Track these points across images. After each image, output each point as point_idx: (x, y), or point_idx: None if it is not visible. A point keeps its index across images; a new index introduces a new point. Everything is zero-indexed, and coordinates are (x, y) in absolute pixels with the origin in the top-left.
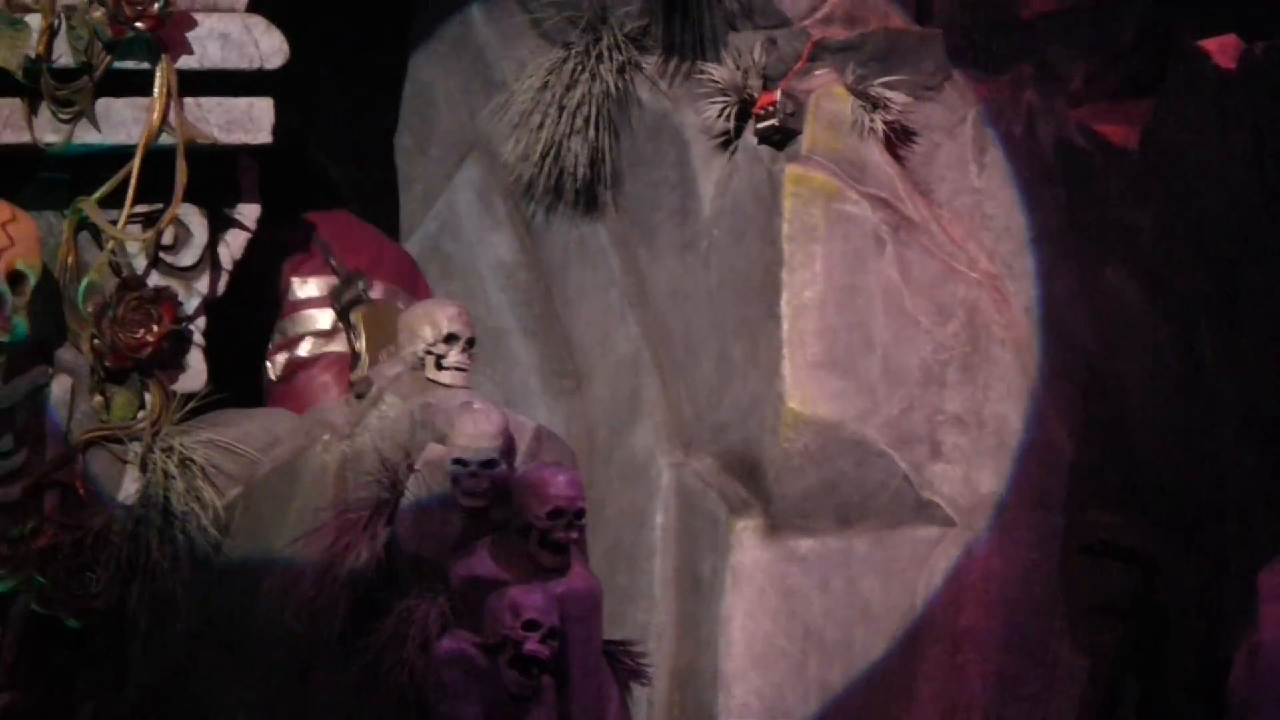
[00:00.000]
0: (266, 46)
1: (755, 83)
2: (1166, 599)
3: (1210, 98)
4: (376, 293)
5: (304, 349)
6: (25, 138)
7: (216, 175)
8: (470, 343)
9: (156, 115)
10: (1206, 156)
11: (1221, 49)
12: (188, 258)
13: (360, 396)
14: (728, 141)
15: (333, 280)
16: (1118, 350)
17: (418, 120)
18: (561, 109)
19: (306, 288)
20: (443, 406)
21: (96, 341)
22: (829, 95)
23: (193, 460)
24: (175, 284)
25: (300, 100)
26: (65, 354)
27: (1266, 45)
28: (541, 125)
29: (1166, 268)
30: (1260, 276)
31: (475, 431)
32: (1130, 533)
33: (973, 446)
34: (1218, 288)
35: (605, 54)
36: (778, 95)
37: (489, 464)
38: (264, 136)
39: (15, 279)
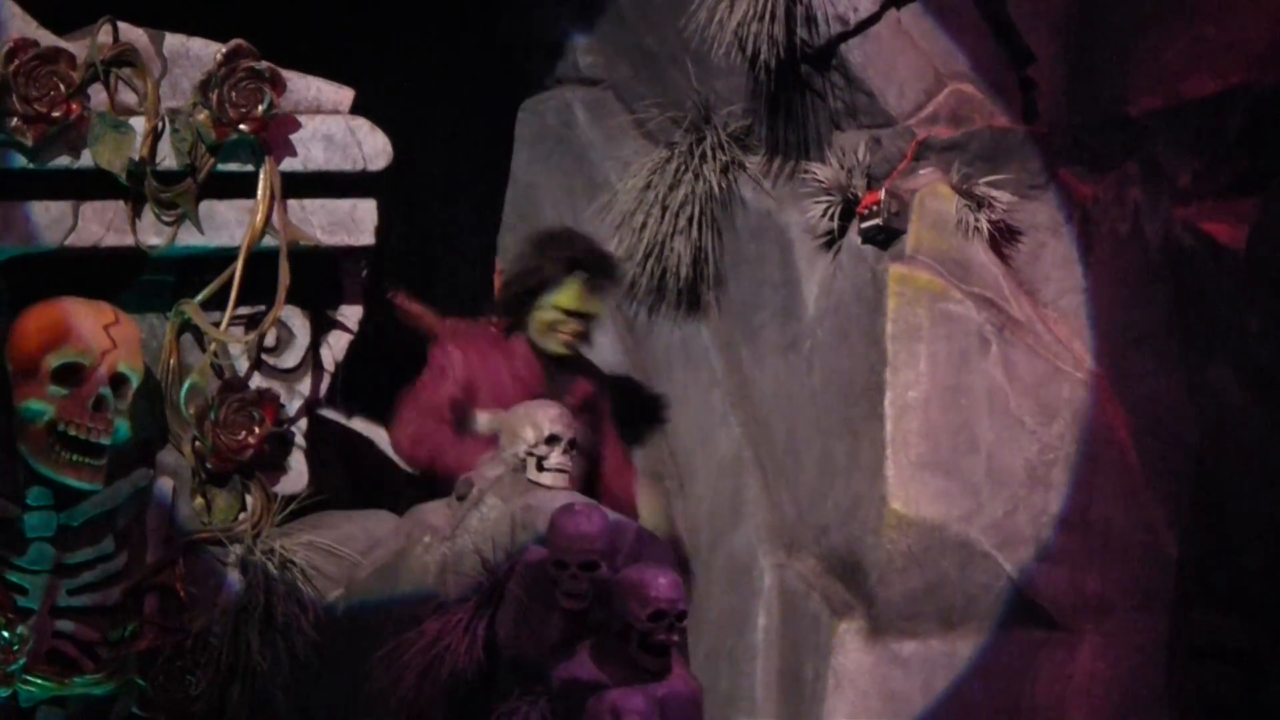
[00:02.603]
0: (370, 148)
1: (860, 182)
2: (1273, 701)
3: None
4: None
5: None
6: (129, 240)
7: (319, 277)
8: (572, 444)
9: (260, 218)
10: None
11: None
12: (290, 359)
13: (461, 498)
14: (831, 241)
15: None
16: (1223, 449)
17: (520, 221)
18: (665, 209)
19: None
20: (544, 508)
21: (198, 444)
22: (934, 194)
23: (293, 562)
24: (277, 386)
25: (406, 200)
26: (167, 456)
27: None
28: (644, 225)
29: (1273, 367)
30: None
31: (576, 533)
32: (1237, 634)
33: (1078, 547)
34: None
35: (709, 153)
36: (882, 194)
37: (589, 566)
38: (367, 238)
39: (118, 381)
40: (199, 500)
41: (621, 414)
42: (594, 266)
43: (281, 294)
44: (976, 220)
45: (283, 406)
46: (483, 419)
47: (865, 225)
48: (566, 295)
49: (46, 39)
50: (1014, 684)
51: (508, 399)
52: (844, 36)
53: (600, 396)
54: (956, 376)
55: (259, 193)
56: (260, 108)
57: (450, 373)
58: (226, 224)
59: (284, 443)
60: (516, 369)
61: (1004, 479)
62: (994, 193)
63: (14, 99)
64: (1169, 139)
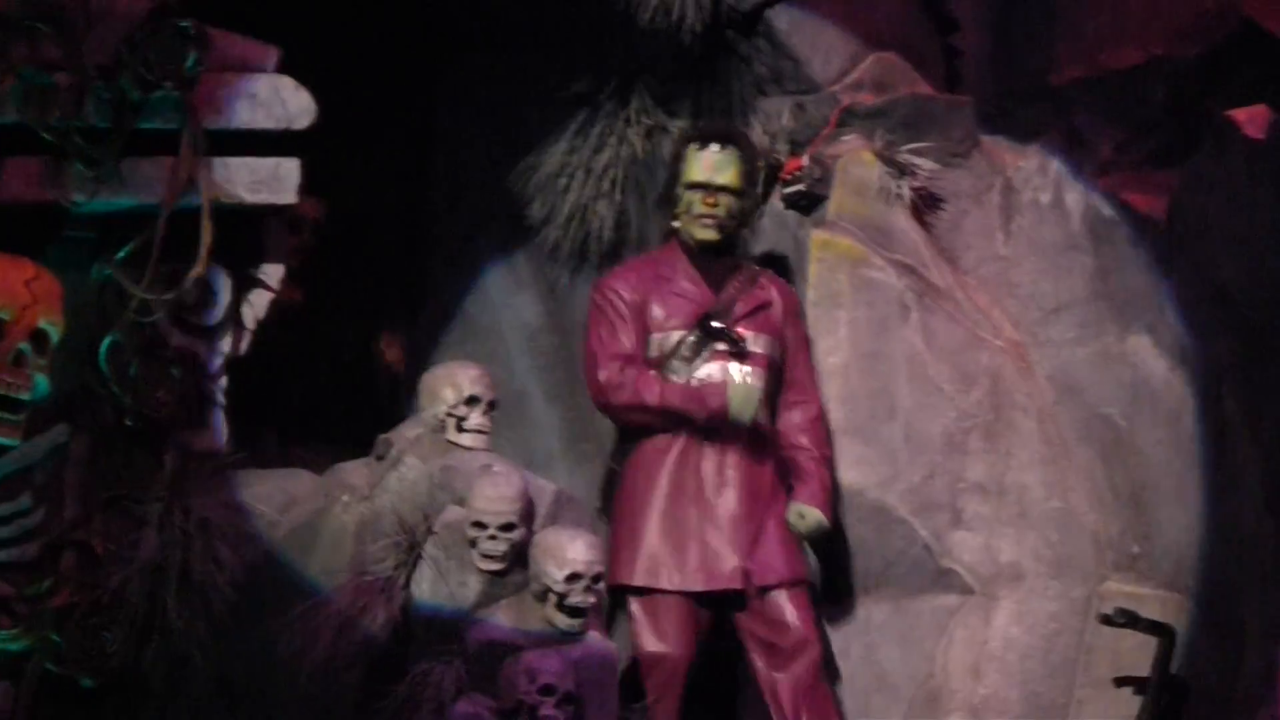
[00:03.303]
0: (295, 107)
1: (783, 147)
2: (1185, 670)
3: (1239, 168)
4: None
5: None
6: (51, 195)
7: (242, 235)
8: (491, 405)
9: (183, 175)
10: (1234, 226)
11: (1251, 119)
12: (211, 318)
13: (380, 458)
14: (758, 205)
15: None
16: (1141, 419)
17: (445, 180)
18: (589, 172)
19: None
20: (462, 469)
21: (117, 401)
22: (856, 161)
23: (211, 520)
24: (198, 344)
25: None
26: (86, 413)
27: None
28: (568, 188)
29: (1191, 337)
30: None
31: (495, 495)
32: (1150, 603)
33: (994, 515)
34: (1242, 357)
35: (633, 117)
36: (805, 160)
37: (508, 527)
38: (290, 197)
39: (38, 337)
40: (117, 457)
41: (542, 376)
42: (713, 134)
43: (203, 252)
44: (899, 187)
45: (203, 364)
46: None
47: (788, 191)
48: (691, 166)
49: None
50: (929, 649)
51: (681, 313)
52: (770, 2)
53: (783, 291)
54: (876, 343)
55: (182, 150)
56: (185, 65)
57: (616, 310)
58: (149, 181)
59: (204, 400)
60: (678, 283)
61: (922, 445)
62: (916, 160)
63: None
64: (1091, 109)
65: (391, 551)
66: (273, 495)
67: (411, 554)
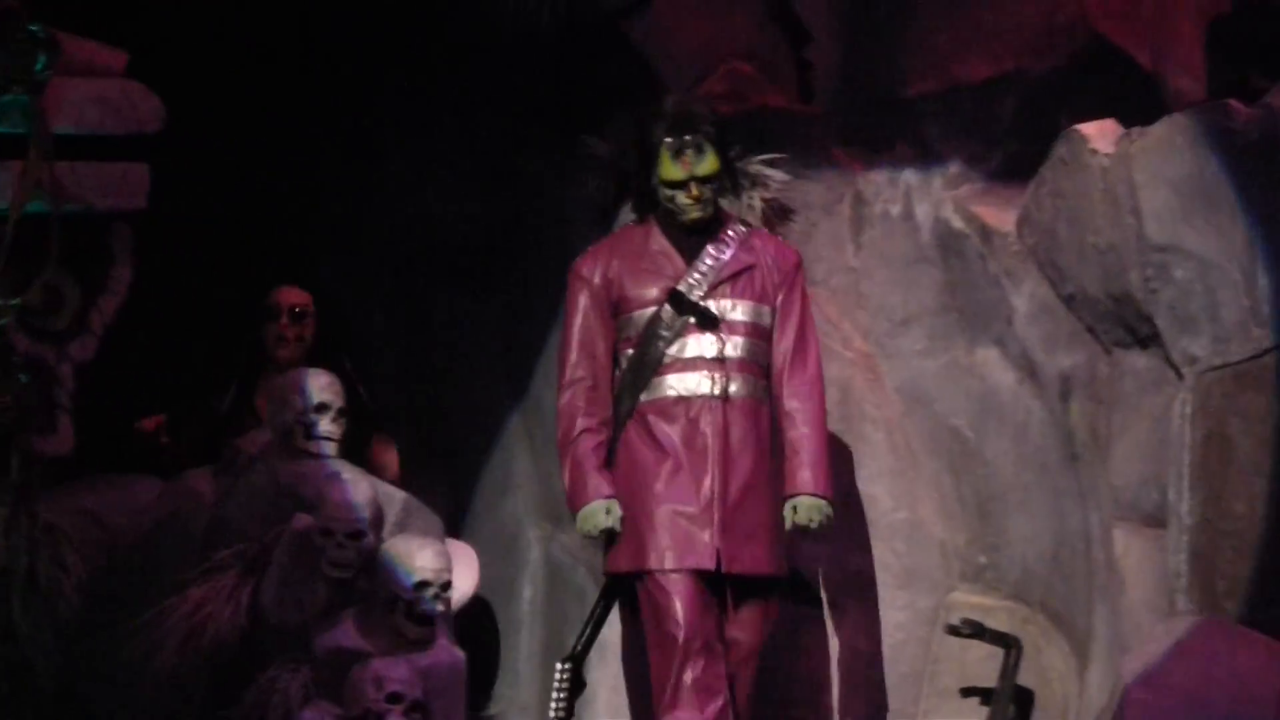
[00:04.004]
0: (144, 111)
1: (634, 156)
2: (1031, 681)
3: (1087, 181)
4: None
5: None
6: None
7: (91, 240)
8: (340, 413)
9: (31, 179)
10: (1082, 239)
11: (1100, 133)
12: (59, 322)
13: (228, 464)
14: (607, 215)
15: None
16: (989, 431)
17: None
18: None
19: None
20: (311, 476)
21: None
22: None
23: (58, 526)
24: (46, 349)
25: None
26: None
27: (1144, 131)
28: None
29: (1040, 349)
30: (1131, 359)
31: (343, 502)
32: (997, 614)
33: (842, 525)
34: (1090, 370)
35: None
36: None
37: (356, 535)
38: (139, 201)
39: None
40: None
41: (400, 384)
42: (678, 128)
43: (51, 256)
44: (749, 198)
45: (50, 369)
46: None
47: (640, 200)
48: (667, 168)
49: None
50: (778, 658)
51: (653, 289)
52: (625, 11)
53: (775, 250)
54: None
55: (30, 154)
56: (34, 69)
57: (580, 304)
58: None
59: (51, 405)
60: (649, 257)
61: None
62: (767, 171)
63: None
64: (942, 122)
65: (239, 559)
66: (120, 501)
67: (259, 561)
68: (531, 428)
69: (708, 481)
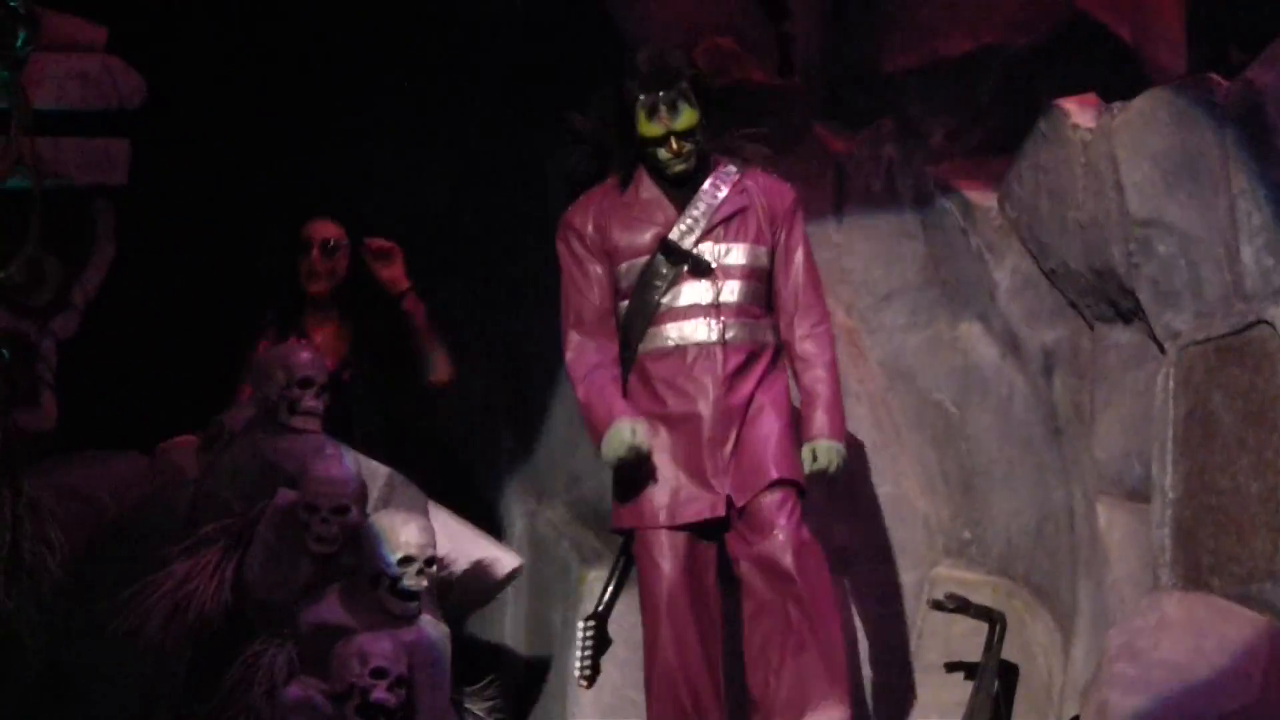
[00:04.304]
0: (125, 87)
1: (616, 130)
2: (1016, 655)
3: (1069, 156)
4: None
5: None
6: None
7: (72, 215)
8: (324, 388)
9: (12, 155)
10: (1063, 214)
11: (1081, 108)
12: (41, 298)
13: (212, 440)
14: (589, 187)
15: None
16: (971, 405)
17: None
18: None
19: None
20: (295, 451)
21: None
22: None
23: (41, 501)
24: (28, 324)
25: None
26: None
27: (1125, 105)
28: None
29: (1022, 324)
30: (1115, 333)
31: (327, 477)
32: (981, 588)
33: (825, 499)
34: (1073, 344)
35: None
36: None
37: (340, 510)
38: (120, 177)
39: None
40: None
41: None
42: (651, 84)
43: (33, 232)
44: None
45: (32, 345)
46: None
47: (622, 174)
48: (644, 125)
49: None
50: None
51: (643, 237)
52: None
53: (770, 190)
54: None
55: (11, 130)
56: (14, 45)
57: (575, 255)
58: None
59: (34, 381)
60: (638, 206)
61: None
62: (750, 146)
63: None
64: (923, 97)
65: (223, 534)
66: (104, 477)
67: (243, 536)
68: (515, 404)
69: (706, 429)
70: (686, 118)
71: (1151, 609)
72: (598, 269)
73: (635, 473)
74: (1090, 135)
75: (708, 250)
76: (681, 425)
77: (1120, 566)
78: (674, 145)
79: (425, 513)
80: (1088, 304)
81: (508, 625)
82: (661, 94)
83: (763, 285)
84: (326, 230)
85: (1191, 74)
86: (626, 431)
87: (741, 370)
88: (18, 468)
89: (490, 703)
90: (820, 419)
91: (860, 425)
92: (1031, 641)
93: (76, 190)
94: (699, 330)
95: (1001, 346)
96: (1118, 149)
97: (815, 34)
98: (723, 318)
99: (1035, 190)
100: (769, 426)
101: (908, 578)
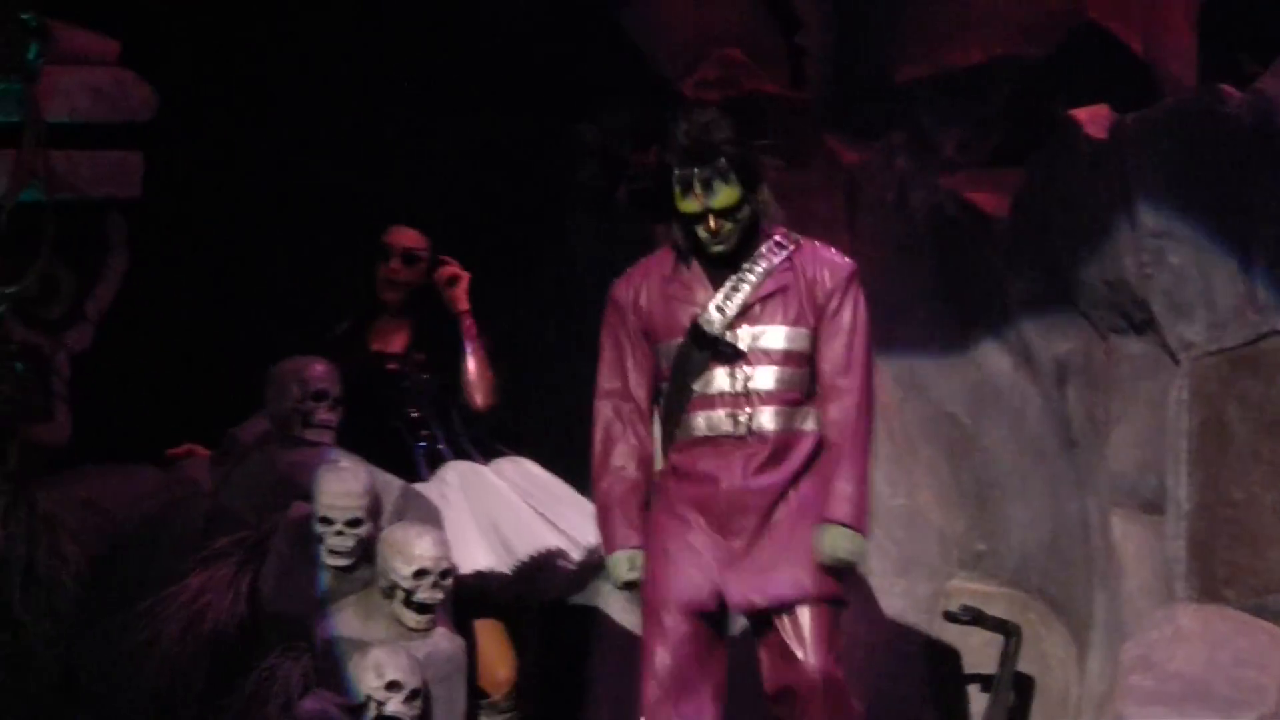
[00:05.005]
0: (138, 99)
1: (627, 144)
2: (1031, 668)
3: (1082, 167)
4: None
5: None
6: None
7: (86, 228)
8: (338, 401)
9: (25, 168)
10: (1076, 225)
11: (1093, 119)
12: (54, 311)
13: (226, 453)
14: (602, 200)
15: None
16: (985, 417)
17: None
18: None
19: None
20: (309, 464)
21: None
22: None
23: (56, 515)
24: (42, 338)
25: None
26: None
27: (1137, 116)
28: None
29: (1035, 335)
30: (1129, 344)
31: (341, 490)
32: (996, 600)
33: None
34: (1086, 356)
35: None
36: (650, 157)
37: (354, 523)
38: (133, 189)
39: None
40: None
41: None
42: (688, 159)
43: (47, 245)
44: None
45: (46, 358)
46: None
47: (634, 187)
48: (680, 199)
49: None
50: None
51: (680, 318)
52: None
53: (820, 264)
54: None
55: (24, 143)
56: (27, 57)
57: (614, 331)
58: None
59: (48, 394)
60: (676, 283)
61: None
62: (761, 158)
63: None
64: (934, 108)
65: (238, 547)
66: (119, 490)
67: (258, 550)
68: (531, 402)
69: (717, 518)
70: (725, 196)
71: (1166, 621)
72: (637, 349)
73: (674, 546)
74: (1102, 146)
75: (743, 334)
76: (700, 512)
77: (1135, 578)
78: (712, 224)
79: (440, 525)
80: (1100, 315)
81: None
82: (696, 170)
83: (803, 369)
84: (409, 239)
85: (1203, 84)
86: (624, 567)
87: (772, 461)
88: (32, 480)
89: (506, 715)
90: (832, 501)
91: (875, 438)
92: (1047, 653)
93: (90, 203)
94: (724, 421)
95: (1015, 358)
96: (1129, 160)
97: (827, 45)
98: (750, 407)
99: (1047, 201)
100: (799, 528)
101: (922, 590)
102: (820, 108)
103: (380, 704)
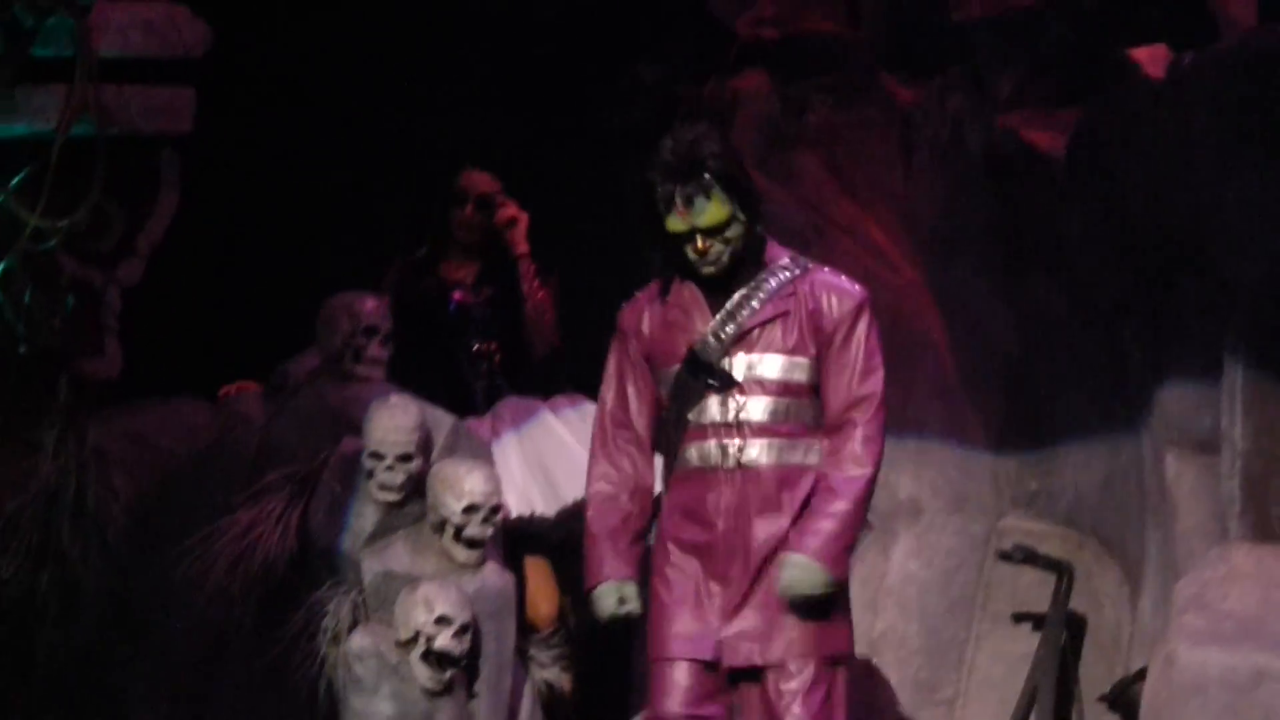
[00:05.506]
0: (190, 35)
1: (684, 81)
2: (1083, 606)
3: (1140, 107)
4: None
5: None
6: None
7: (137, 163)
8: (388, 336)
9: (77, 102)
10: (1132, 164)
11: (1151, 58)
12: (105, 245)
13: (278, 388)
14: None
15: None
16: (1040, 356)
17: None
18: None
19: None
20: (360, 399)
21: (11, 328)
22: (756, 96)
23: (106, 449)
24: (93, 272)
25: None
26: None
27: (1196, 56)
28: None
29: (1091, 274)
30: (1186, 284)
31: (392, 425)
32: (1048, 539)
33: (892, 450)
34: (1143, 295)
35: None
36: (705, 94)
37: (405, 458)
38: (185, 125)
39: None
40: (12, 385)
41: None
42: (670, 175)
43: (98, 180)
44: (798, 123)
45: (97, 292)
46: None
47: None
48: (664, 218)
49: None
50: None
51: (676, 346)
52: None
53: (823, 290)
54: None
55: (76, 78)
56: None
57: (618, 359)
58: (43, 109)
59: (98, 328)
60: (673, 310)
61: None
62: (816, 96)
63: None
64: (991, 47)
65: (288, 482)
66: (169, 424)
67: (308, 484)
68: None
69: (711, 564)
70: (711, 214)
71: (1220, 560)
72: (640, 376)
73: (669, 594)
74: (1160, 86)
75: (738, 361)
76: (695, 555)
77: (1189, 517)
78: (699, 244)
79: (490, 461)
80: (1157, 254)
81: None
82: (679, 186)
83: (803, 401)
84: (484, 184)
85: (1262, 24)
86: (611, 600)
87: (769, 505)
88: (83, 415)
89: (555, 650)
90: (805, 534)
91: (928, 377)
92: (1099, 592)
93: (141, 138)
94: (714, 453)
95: (1070, 297)
96: (1188, 100)
97: None
98: (740, 438)
99: (1104, 141)
100: None
101: (975, 528)
102: (875, 46)
103: (430, 639)
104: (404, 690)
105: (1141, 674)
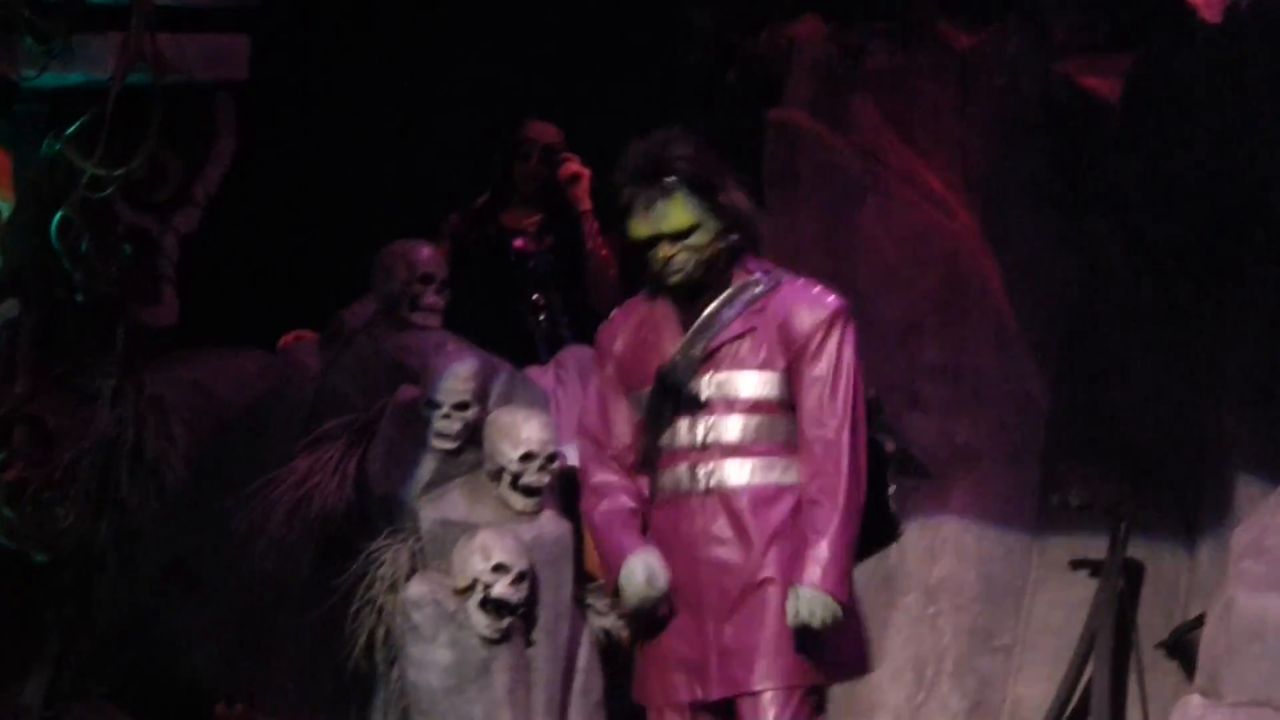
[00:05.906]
0: None
1: (740, 27)
2: (1140, 554)
3: (1195, 51)
4: None
5: None
6: (1, 70)
7: (193, 111)
8: (444, 284)
9: (133, 50)
10: (1190, 109)
11: (1208, 3)
12: (162, 194)
13: (334, 336)
14: (711, 86)
15: None
16: (1097, 303)
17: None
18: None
19: None
20: (417, 348)
21: (69, 277)
22: (813, 42)
23: (164, 397)
24: (150, 220)
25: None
26: (38, 288)
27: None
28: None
29: (1149, 221)
30: (1244, 231)
31: (449, 373)
32: (1106, 487)
33: (950, 397)
34: (1200, 241)
35: None
36: (761, 41)
37: (462, 406)
38: (241, 72)
39: None
40: (70, 333)
41: None
42: (634, 176)
43: (154, 128)
44: (855, 69)
45: (154, 240)
46: None
47: (743, 71)
48: (630, 223)
49: None
50: None
51: (648, 366)
52: None
53: (796, 302)
54: (833, 225)
55: (132, 25)
56: None
57: (599, 376)
58: (100, 57)
59: (156, 276)
60: (645, 329)
61: (877, 328)
62: (873, 42)
63: None
64: None
65: (345, 430)
66: (226, 372)
67: (365, 433)
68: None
69: (688, 596)
70: (675, 219)
71: (1278, 506)
72: (619, 399)
73: (646, 633)
74: (1217, 30)
75: (706, 381)
76: (677, 587)
77: (1246, 465)
78: (664, 250)
79: (546, 409)
80: (1214, 202)
81: None
82: (642, 190)
83: (778, 417)
84: (548, 135)
85: None
86: (640, 576)
87: (744, 523)
88: (140, 363)
89: (613, 599)
90: (811, 568)
91: (984, 323)
92: (1157, 539)
93: (197, 86)
94: (684, 478)
95: (1128, 243)
96: (1245, 44)
97: None
98: (711, 461)
99: (1161, 87)
100: (770, 606)
101: (1032, 475)
102: None
103: (487, 586)
104: (461, 638)
105: (1199, 620)
